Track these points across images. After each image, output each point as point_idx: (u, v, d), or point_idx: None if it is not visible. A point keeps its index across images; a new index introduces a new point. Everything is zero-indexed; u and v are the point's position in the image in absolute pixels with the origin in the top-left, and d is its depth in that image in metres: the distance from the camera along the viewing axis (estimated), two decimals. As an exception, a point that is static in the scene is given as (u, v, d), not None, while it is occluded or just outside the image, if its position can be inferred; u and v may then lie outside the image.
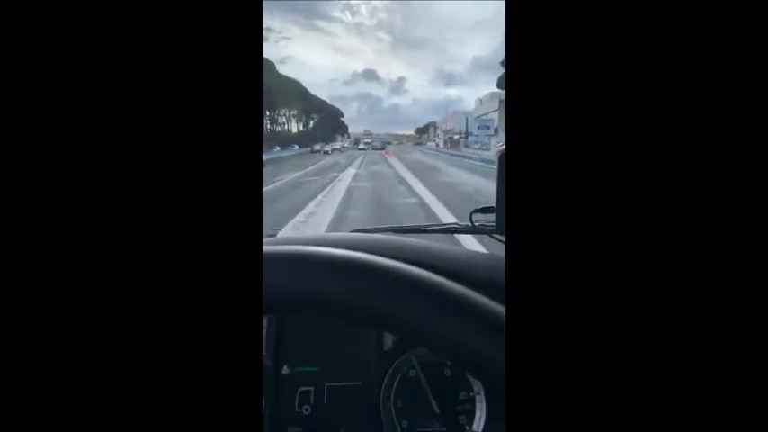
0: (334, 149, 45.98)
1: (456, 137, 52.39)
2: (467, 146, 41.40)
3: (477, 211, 0.65)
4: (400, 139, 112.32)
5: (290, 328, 0.52)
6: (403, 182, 11.38)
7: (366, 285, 0.23)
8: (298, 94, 78.33)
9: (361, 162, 24.11)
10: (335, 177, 12.81)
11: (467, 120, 48.70)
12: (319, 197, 8.13)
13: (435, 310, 0.23)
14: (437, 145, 58.51)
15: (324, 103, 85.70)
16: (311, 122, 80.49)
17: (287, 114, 75.77)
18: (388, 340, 0.51)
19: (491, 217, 0.61)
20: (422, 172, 14.55)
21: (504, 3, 0.23)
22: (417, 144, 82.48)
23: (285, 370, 0.50)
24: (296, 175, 14.22)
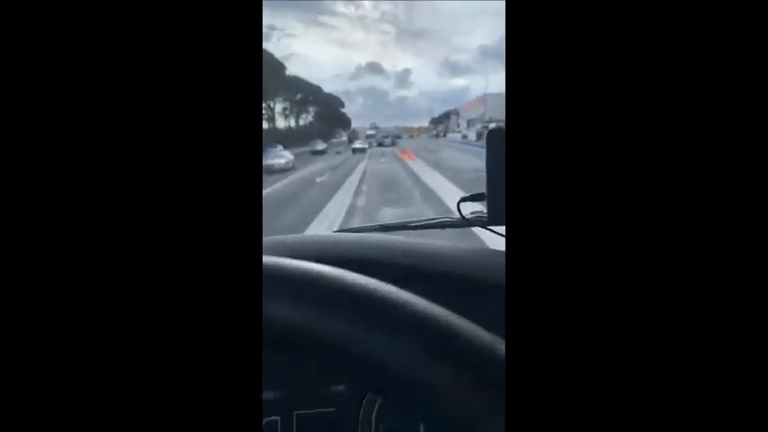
0: (356, 148, 32.07)
1: (493, 125, 38.99)
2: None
3: (465, 199, 0.57)
4: (411, 131, 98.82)
5: None
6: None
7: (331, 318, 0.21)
8: (281, 81, 59.65)
9: (360, 183, 11.19)
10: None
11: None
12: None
13: (422, 357, 0.19)
14: (464, 137, 44.87)
15: (319, 89, 69.28)
16: (304, 116, 66.42)
17: (268, 107, 58.60)
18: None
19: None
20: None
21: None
22: (435, 137, 69.01)
23: None
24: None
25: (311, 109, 67.62)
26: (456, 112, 75.32)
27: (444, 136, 66.39)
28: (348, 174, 14.65)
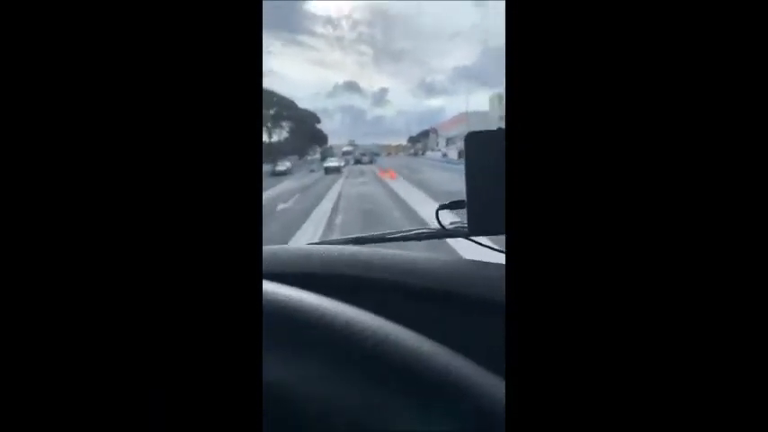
0: (329, 167, 28.58)
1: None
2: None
3: (444, 206, 0.54)
4: (389, 149, 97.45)
5: None
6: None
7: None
8: None
9: (334, 213, 8.84)
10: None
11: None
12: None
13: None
14: (444, 155, 43.35)
15: (293, 104, 64.59)
16: (278, 131, 63.75)
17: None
18: None
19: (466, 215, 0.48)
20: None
21: (503, 6, 0.23)
22: (414, 155, 67.49)
23: None
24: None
25: (285, 124, 64.73)
26: (434, 131, 74.21)
27: (423, 154, 64.93)
28: (320, 198, 12.18)
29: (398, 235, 0.65)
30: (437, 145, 65.04)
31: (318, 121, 74.31)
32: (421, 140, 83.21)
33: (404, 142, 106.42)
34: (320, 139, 78.65)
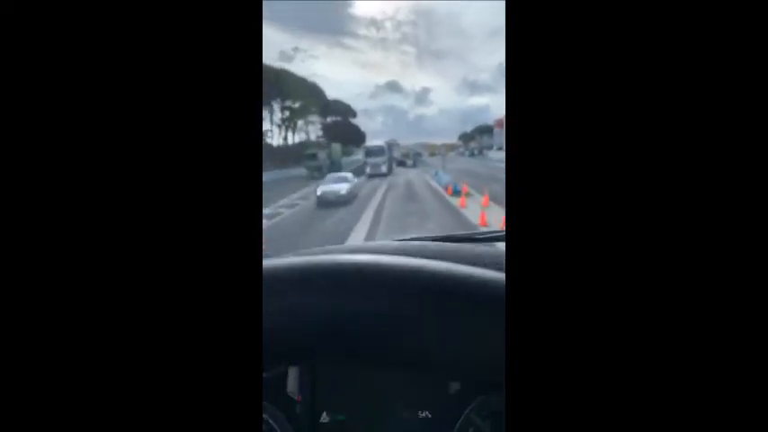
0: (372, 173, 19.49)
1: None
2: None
3: None
4: (434, 149, 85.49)
5: (320, 377, 0.45)
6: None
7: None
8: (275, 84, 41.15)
9: None
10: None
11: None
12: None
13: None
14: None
15: (321, 92, 52.01)
16: (303, 128, 52.51)
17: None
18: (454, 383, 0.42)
19: None
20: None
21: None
22: (470, 155, 55.56)
23: (323, 418, 0.44)
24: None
25: (314, 119, 53.40)
26: (501, 124, 61.58)
27: (479, 154, 52.82)
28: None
29: (489, 236, 0.66)
30: (494, 146, 52.47)
31: (354, 114, 62.60)
32: (476, 138, 70.72)
33: (451, 140, 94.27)
34: (358, 138, 67.74)
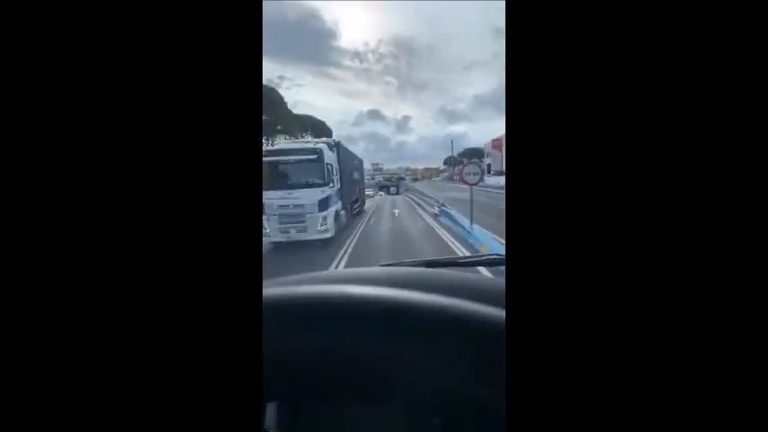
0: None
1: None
2: None
3: None
4: (416, 174, 79.99)
5: (299, 412, 0.42)
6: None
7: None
8: None
9: None
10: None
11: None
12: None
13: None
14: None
15: (304, 117, 48.16)
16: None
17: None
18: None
19: None
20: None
21: (503, 8, 0.22)
22: (450, 180, 49.38)
23: None
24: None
25: (281, 138, 45.49)
26: (482, 152, 55.33)
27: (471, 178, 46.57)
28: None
29: (472, 260, 0.67)
30: (492, 171, 46.30)
31: (329, 134, 54.17)
32: (465, 162, 64.58)
33: (432, 165, 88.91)
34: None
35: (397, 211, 15.47)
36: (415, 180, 66.77)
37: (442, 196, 17.89)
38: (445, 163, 73.85)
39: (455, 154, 61.30)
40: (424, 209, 15.60)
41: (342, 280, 0.37)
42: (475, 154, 59.42)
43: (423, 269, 0.48)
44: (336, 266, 6.24)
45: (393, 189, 29.43)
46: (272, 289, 0.25)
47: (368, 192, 22.45)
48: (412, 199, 23.07)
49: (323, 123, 49.19)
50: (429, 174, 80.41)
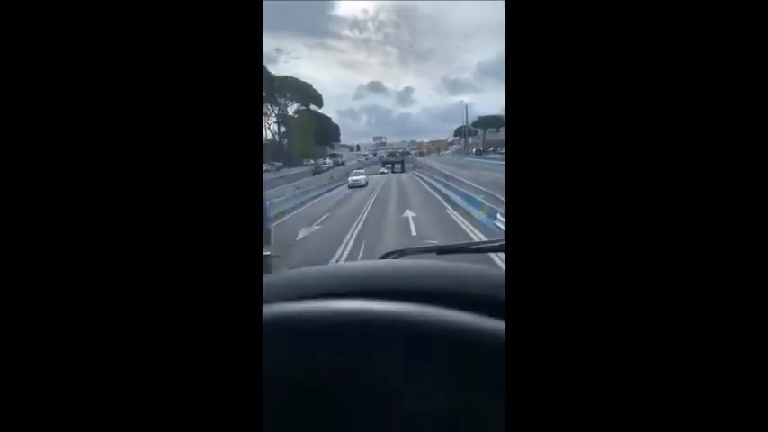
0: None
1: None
2: None
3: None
4: (421, 147, 73.39)
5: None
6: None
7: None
8: None
9: None
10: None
11: None
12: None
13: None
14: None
15: (284, 79, 40.12)
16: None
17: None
18: None
19: None
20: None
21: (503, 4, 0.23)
22: (466, 154, 43.03)
23: None
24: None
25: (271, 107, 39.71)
26: (501, 120, 48.89)
27: (481, 154, 40.32)
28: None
29: (483, 246, 0.65)
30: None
31: (321, 104, 46.55)
32: (479, 134, 57.93)
33: (438, 137, 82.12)
34: (332, 134, 52.84)
35: (411, 215, 9.10)
36: (421, 154, 60.79)
37: (468, 176, 11.96)
38: (456, 134, 66.97)
39: (469, 124, 54.60)
40: (435, 190, 10.58)
41: (344, 276, 0.36)
42: (493, 122, 52.70)
43: (431, 261, 0.47)
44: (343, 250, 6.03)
45: (398, 166, 23.95)
46: (277, 306, 0.24)
47: (360, 173, 18.84)
48: (425, 181, 17.11)
49: (308, 86, 41.62)
50: (436, 147, 73.91)
